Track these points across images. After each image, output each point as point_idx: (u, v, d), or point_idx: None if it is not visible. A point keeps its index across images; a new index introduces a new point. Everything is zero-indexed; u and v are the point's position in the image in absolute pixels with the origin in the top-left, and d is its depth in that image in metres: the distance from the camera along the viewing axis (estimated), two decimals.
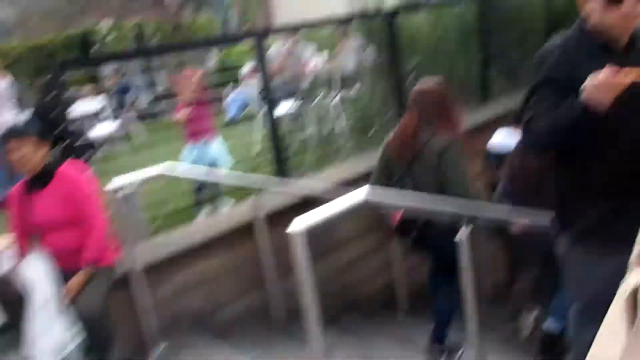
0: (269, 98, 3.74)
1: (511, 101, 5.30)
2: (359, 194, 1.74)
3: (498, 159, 3.37)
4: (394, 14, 4.51)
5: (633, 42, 1.77)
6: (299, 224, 1.73)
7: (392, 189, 2.61)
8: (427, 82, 2.89)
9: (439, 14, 5.31)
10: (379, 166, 2.97)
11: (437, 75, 4.92)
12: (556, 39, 1.86)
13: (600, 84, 1.56)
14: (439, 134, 2.68)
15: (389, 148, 2.90)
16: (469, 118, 4.94)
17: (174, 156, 4.34)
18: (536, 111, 1.76)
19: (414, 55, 4.88)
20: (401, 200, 1.78)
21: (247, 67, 7.25)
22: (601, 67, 1.71)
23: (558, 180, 1.95)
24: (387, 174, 2.91)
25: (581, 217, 1.85)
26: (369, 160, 4.10)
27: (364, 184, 3.92)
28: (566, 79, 1.72)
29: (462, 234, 2.02)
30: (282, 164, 3.83)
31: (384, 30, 4.51)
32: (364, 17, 4.54)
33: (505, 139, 3.45)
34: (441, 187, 2.61)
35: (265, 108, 3.81)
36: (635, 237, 1.82)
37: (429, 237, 2.70)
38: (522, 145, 1.94)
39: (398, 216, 2.80)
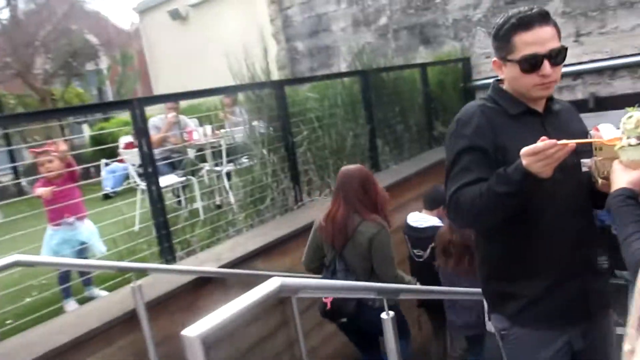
0: (151, 170, 3.36)
1: (399, 171, 5.41)
2: (271, 285, 1.40)
3: (414, 236, 3.77)
4: (282, 83, 4.43)
5: (550, 105, 1.73)
6: (196, 328, 1.34)
7: (307, 277, 2.85)
8: (349, 168, 3.05)
9: (326, 86, 5.36)
10: (311, 248, 3.15)
11: (328, 145, 5.03)
12: (471, 106, 1.74)
13: (541, 154, 1.40)
14: (367, 219, 2.89)
15: (321, 233, 3.04)
16: None
17: (36, 240, 3.72)
18: (462, 182, 1.60)
19: (304, 125, 4.80)
20: (317, 289, 1.50)
21: (126, 138, 6.73)
22: (526, 131, 1.63)
23: (484, 255, 1.79)
24: (319, 257, 3.12)
25: (514, 296, 1.68)
26: (264, 234, 3.80)
27: (259, 262, 3.69)
28: (492, 145, 1.61)
29: (385, 317, 1.82)
30: (166, 242, 3.40)
31: (273, 100, 4.40)
32: (252, 87, 4.39)
33: (420, 218, 3.84)
34: (371, 270, 2.86)
35: (146, 181, 3.41)
36: (575, 315, 1.73)
37: (361, 321, 2.84)
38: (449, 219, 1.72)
39: (329, 300, 2.88)
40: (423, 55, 8.42)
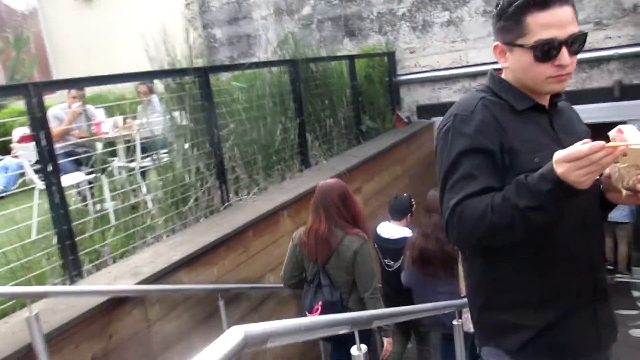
0: (51, 167, 2.81)
1: (330, 167, 5.12)
2: (232, 339, 0.99)
3: (385, 247, 3.85)
4: (207, 70, 3.97)
5: (555, 101, 1.47)
6: None
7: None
8: (328, 182, 3.07)
9: (254, 75, 4.95)
10: (291, 264, 3.12)
11: (256, 139, 4.63)
12: (469, 98, 1.44)
13: (585, 159, 1.12)
14: (349, 233, 2.93)
15: (302, 249, 3.03)
16: (294, 184, 4.58)
17: None
18: (466, 193, 1.30)
19: (231, 118, 4.37)
20: (289, 334, 1.14)
21: (20, 130, 5.89)
22: (534, 130, 1.37)
23: (480, 280, 1.50)
24: (299, 272, 3.11)
25: (518, 328, 1.41)
26: (188, 241, 3.35)
27: (184, 274, 3.23)
28: (498, 146, 1.33)
29: (356, 353, 1.50)
30: (71, 254, 2.86)
31: (196, 89, 3.93)
32: (172, 74, 3.90)
33: (392, 230, 3.95)
34: (353, 283, 2.93)
35: (45, 180, 2.85)
36: (587, 346, 1.51)
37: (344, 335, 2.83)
38: (449, 239, 1.39)
39: (315, 314, 2.90)
40: (348, 47, 8.21)
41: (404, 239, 3.83)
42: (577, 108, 1.59)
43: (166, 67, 3.91)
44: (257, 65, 4.72)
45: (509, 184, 1.28)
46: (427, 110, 7.96)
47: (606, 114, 6.32)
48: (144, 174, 4.41)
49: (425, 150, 7.63)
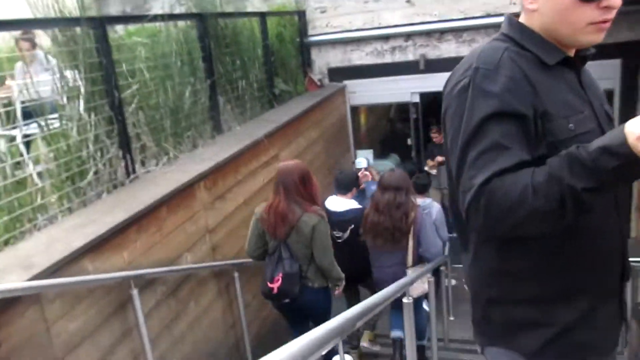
0: None
1: (245, 133, 4.75)
2: None
3: (334, 219, 3.89)
4: (104, 21, 3.38)
5: (585, 54, 1.24)
6: None
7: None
8: (288, 164, 3.28)
9: (157, 30, 4.38)
10: (254, 237, 3.33)
11: (163, 103, 4.11)
12: (493, 48, 1.17)
13: None
14: (308, 211, 3.15)
15: (264, 223, 3.24)
16: (207, 152, 4.16)
17: None
18: (497, 169, 1.05)
19: (133, 78, 3.83)
20: None
21: None
22: (566, 90, 1.14)
23: (492, 270, 1.26)
24: (261, 245, 3.32)
25: (538, 324, 1.21)
26: (92, 222, 2.87)
27: (88, 262, 2.74)
28: (531, 109, 1.09)
29: None
30: None
31: (92, 43, 3.34)
32: (61, 23, 3.27)
33: (339, 202, 4.13)
34: (312, 255, 3.21)
35: None
36: (608, 345, 1.25)
37: (302, 301, 3.25)
38: (476, 227, 1.11)
39: (275, 285, 3.17)
40: (256, 5, 7.71)
41: (351, 211, 4.05)
42: None
43: (52, 16, 3.27)
44: (163, 18, 4.15)
45: (541, 157, 1.05)
46: (339, 73, 7.73)
47: None
48: (28, 144, 3.75)
49: (338, 114, 7.45)
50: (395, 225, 3.49)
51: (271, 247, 3.27)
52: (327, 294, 3.38)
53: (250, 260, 3.54)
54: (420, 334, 3.66)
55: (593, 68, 1.29)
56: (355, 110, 8.19)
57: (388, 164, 8.37)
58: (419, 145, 7.89)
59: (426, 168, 7.26)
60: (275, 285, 3.17)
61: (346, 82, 7.75)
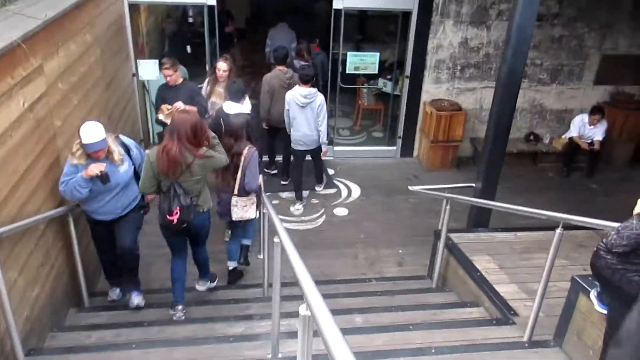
0: None
1: None
2: None
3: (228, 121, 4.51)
4: None
5: None
6: None
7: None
8: (184, 116, 3.61)
9: None
10: (150, 176, 3.65)
11: None
12: None
13: None
14: (196, 155, 3.57)
15: (158, 164, 3.57)
16: None
17: None
18: None
19: None
20: None
21: None
22: None
23: None
24: (156, 181, 3.68)
25: None
26: None
27: None
28: None
29: None
30: None
31: None
32: None
33: (233, 107, 4.94)
34: (201, 189, 3.77)
35: None
36: None
37: (195, 224, 3.80)
38: None
39: (175, 217, 3.63)
40: None
41: (242, 114, 4.61)
42: None
43: None
44: None
45: None
46: None
47: None
48: None
49: (113, 11, 5.87)
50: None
51: (164, 185, 3.68)
52: (209, 215, 4.00)
53: None
54: (248, 234, 4.83)
55: None
56: (134, 9, 6.63)
57: None
58: (214, 56, 6.78)
59: (160, 117, 5.27)
60: (174, 217, 3.64)
61: None
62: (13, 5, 3.84)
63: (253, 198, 4.40)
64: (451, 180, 6.19)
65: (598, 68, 7.59)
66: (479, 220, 4.90)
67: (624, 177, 7.45)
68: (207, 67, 6.71)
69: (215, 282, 4.60)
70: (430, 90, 7.39)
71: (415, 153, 7.84)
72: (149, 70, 6.58)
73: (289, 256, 1.96)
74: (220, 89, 5.57)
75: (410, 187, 5.08)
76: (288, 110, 5.72)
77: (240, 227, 4.69)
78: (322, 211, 6.28)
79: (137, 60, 6.63)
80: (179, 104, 5.07)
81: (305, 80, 5.51)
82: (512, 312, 3.70)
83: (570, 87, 7.69)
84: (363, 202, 6.55)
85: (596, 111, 7.20)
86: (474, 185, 4.83)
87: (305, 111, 5.63)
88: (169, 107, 5.14)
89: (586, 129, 7.31)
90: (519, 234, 4.75)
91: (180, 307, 3.99)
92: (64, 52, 4.04)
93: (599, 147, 7.26)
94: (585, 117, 7.31)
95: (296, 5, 8.93)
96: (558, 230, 3.08)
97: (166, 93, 5.29)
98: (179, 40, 8.23)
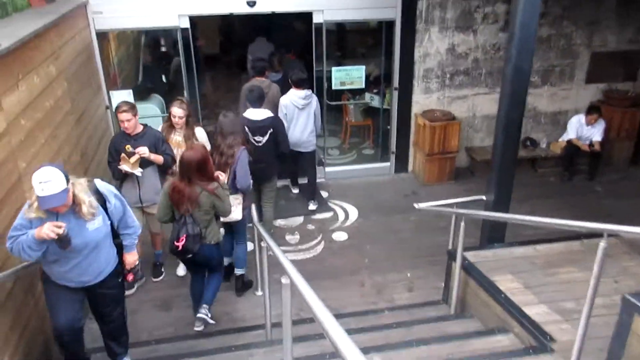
0: None
1: None
2: None
3: (254, 127, 5.05)
4: None
5: None
6: None
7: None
8: (189, 154, 3.77)
9: None
10: (166, 206, 3.90)
11: None
12: None
13: None
14: (205, 189, 3.80)
15: (172, 198, 3.82)
16: None
17: None
18: None
19: None
20: None
21: None
22: None
23: None
24: (170, 210, 3.91)
25: None
26: None
27: None
28: None
29: None
30: None
31: None
32: None
33: (257, 113, 5.15)
34: (210, 220, 3.95)
35: None
36: None
37: (201, 254, 3.94)
38: None
39: (180, 244, 3.80)
40: None
41: (268, 118, 5.06)
42: None
43: None
44: None
45: None
46: None
47: None
48: None
49: (80, 40, 5.45)
50: (227, 162, 4.45)
51: (177, 215, 3.87)
52: (219, 248, 4.18)
53: None
54: (242, 262, 4.85)
55: None
56: (103, 37, 6.22)
57: (152, 107, 6.74)
58: (193, 84, 6.41)
59: (125, 167, 4.28)
60: (180, 244, 3.79)
61: None
62: None
63: (240, 198, 4.47)
64: (451, 194, 5.85)
65: (589, 66, 7.37)
66: (494, 235, 4.53)
67: (626, 177, 7.19)
68: (186, 94, 6.32)
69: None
70: (421, 101, 7.08)
71: (410, 168, 7.50)
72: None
73: (312, 309, 1.60)
74: (178, 137, 4.75)
75: (416, 205, 4.68)
76: (285, 114, 5.76)
77: (232, 232, 4.80)
78: (320, 237, 5.86)
79: (110, 92, 6.20)
80: (143, 149, 4.27)
81: (298, 84, 5.74)
82: (548, 338, 3.31)
83: (562, 88, 7.45)
84: (362, 225, 6.15)
85: (593, 110, 6.95)
86: (484, 197, 4.47)
87: (304, 112, 5.83)
88: (131, 150, 4.29)
89: (584, 130, 7.05)
90: (539, 247, 4.38)
91: (205, 304, 4.13)
92: (26, 85, 3.61)
93: (600, 148, 6.99)
94: (582, 118, 7.06)
95: (276, 22, 8.61)
96: (602, 243, 2.70)
97: (124, 144, 4.33)
98: (153, 68, 7.82)
